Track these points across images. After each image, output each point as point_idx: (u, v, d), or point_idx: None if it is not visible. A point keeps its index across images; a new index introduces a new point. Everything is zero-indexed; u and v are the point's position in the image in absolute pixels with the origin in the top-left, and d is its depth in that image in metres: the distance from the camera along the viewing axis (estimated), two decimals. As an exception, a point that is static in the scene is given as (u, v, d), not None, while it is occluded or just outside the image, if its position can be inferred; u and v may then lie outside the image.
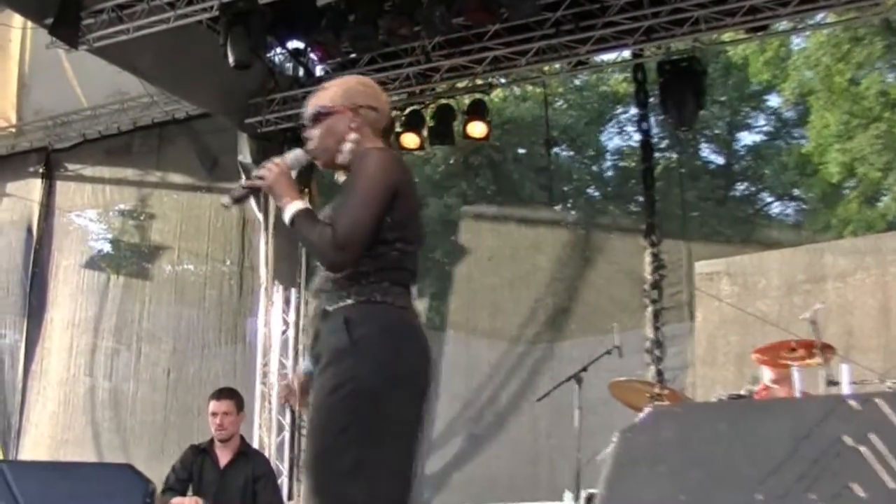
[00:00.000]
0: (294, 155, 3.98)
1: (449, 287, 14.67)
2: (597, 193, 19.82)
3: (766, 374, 7.76)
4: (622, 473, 3.74)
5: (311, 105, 4.04)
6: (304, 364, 3.97)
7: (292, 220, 3.77)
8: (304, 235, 3.79)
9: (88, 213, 15.46)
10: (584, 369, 7.85)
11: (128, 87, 12.64)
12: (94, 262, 14.79)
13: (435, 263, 16.61)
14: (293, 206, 3.78)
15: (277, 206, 3.86)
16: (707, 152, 20.22)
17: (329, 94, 4.06)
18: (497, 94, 13.13)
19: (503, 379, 12.31)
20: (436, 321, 14.83)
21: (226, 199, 3.99)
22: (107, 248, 16.49)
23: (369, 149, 3.94)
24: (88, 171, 14.28)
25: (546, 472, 11.38)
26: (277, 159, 3.93)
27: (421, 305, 15.26)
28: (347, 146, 3.95)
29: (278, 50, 11.88)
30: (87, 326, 13.88)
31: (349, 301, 3.76)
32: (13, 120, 13.94)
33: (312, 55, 11.89)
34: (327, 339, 3.77)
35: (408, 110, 11.47)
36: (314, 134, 4.00)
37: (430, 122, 11.36)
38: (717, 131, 19.97)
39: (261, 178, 3.86)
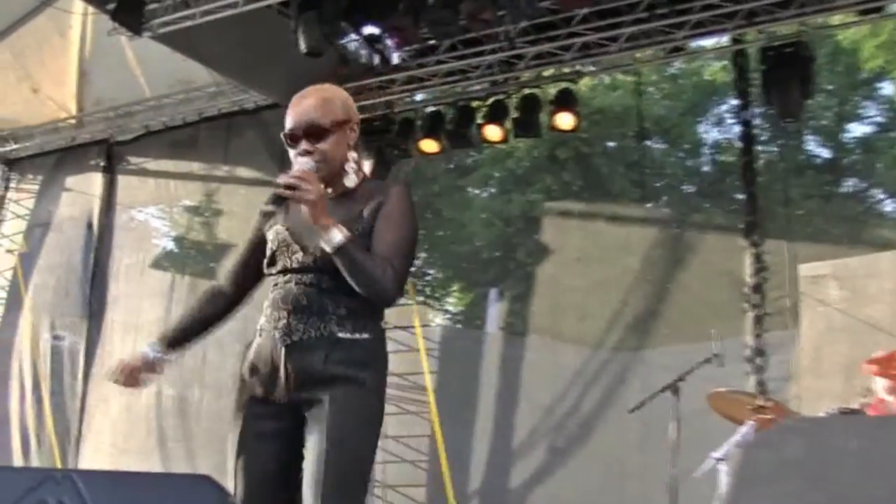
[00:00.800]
0: (311, 166, 4.01)
1: (532, 290, 14.60)
2: (692, 189, 19.58)
3: (880, 386, 7.59)
4: (743, 492, 3.66)
5: (318, 115, 4.08)
6: (150, 349, 4.17)
7: (341, 248, 3.84)
8: (362, 267, 3.90)
9: (151, 209, 15.56)
10: (682, 378, 7.77)
11: (194, 76, 12.73)
12: (158, 261, 14.88)
13: (517, 264, 16.54)
14: (340, 233, 3.85)
15: (316, 225, 3.87)
16: (813, 145, 19.86)
17: (333, 104, 4.14)
18: (584, 82, 13.01)
19: (589, 388, 12.21)
20: (517, 326, 14.77)
21: (269, 207, 4.14)
22: (170, 246, 16.61)
23: (394, 181, 4.21)
24: (152, 164, 14.41)
25: (636, 490, 11.27)
26: (305, 169, 3.97)
27: (501, 308, 15.27)
28: (350, 165, 4.14)
29: (352, 36, 11.85)
30: (151, 329, 13.93)
31: (366, 335, 4.01)
32: (73, 111, 14.09)
33: (389, 41, 11.87)
34: (348, 368, 3.95)
35: (491, 100, 11.46)
36: (322, 148, 4.05)
37: (514, 114, 11.30)
38: (823, 122, 19.60)
39: (297, 188, 3.86)
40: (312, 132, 4.04)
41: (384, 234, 3.97)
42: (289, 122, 4.08)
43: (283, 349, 3.96)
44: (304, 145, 4.03)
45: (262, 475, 3.97)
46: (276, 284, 4.05)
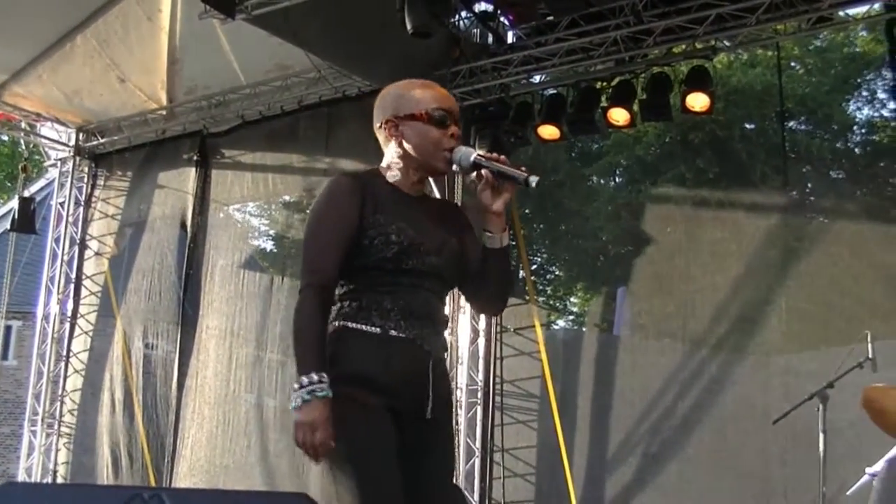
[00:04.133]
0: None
1: (663, 288, 14.52)
2: (841, 175, 19.40)
3: None
4: None
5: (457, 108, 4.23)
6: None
7: (506, 248, 4.09)
8: (509, 273, 4.22)
9: (248, 206, 15.68)
10: (831, 385, 7.71)
11: (291, 61, 12.79)
12: (255, 262, 15.00)
13: (649, 260, 16.47)
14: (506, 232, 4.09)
15: (498, 218, 4.07)
16: (980, 121, 19.59)
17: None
18: (720, 59, 12.90)
19: (725, 395, 12.11)
20: (650, 329, 14.71)
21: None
22: (269, 245, 16.78)
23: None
24: (248, 157, 14.48)
25: (782, 508, 11.18)
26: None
27: (632, 309, 15.22)
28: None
29: (463, 14, 11.87)
30: (249, 336, 14.08)
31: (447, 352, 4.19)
32: (163, 101, 14.24)
33: (503, 19, 11.88)
34: (447, 388, 4.22)
35: (616, 81, 11.39)
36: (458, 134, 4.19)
37: (641, 95, 11.24)
38: None
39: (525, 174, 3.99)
40: (457, 122, 4.17)
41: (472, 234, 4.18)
42: (440, 102, 4.15)
43: (431, 363, 4.02)
44: (454, 130, 4.12)
45: (397, 497, 3.88)
46: (394, 285, 4.00)
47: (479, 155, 4.03)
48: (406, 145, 4.12)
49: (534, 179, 3.92)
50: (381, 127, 4.23)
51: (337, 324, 3.99)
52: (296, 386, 3.72)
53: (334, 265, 3.96)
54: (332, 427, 3.70)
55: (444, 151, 4.08)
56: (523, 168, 3.96)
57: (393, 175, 4.17)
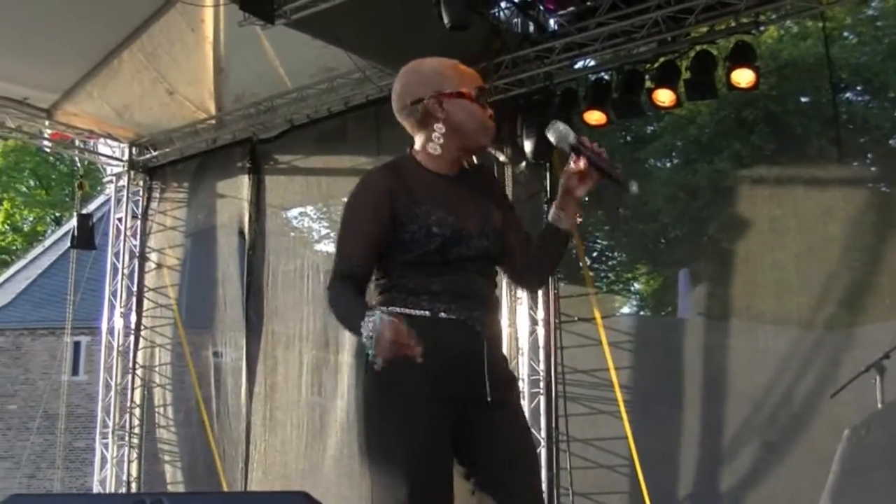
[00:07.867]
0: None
1: (728, 268, 14.38)
2: (901, 144, 19.14)
3: None
4: (850, 483, 3.49)
5: None
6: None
7: (570, 233, 4.13)
8: (564, 252, 4.21)
9: (306, 210, 15.63)
10: (887, 356, 7.57)
11: (336, 63, 12.75)
12: (317, 265, 14.98)
13: (709, 241, 16.33)
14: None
15: (578, 206, 4.06)
16: None
17: None
18: (771, 33, 12.67)
19: (798, 374, 11.92)
20: (714, 309, 14.57)
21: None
22: (330, 248, 16.66)
23: (482, 164, 4.37)
24: (300, 161, 14.52)
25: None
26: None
27: (694, 291, 15.05)
28: None
29: (503, 4, 11.79)
30: (316, 340, 14.04)
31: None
32: (212, 110, 14.29)
33: (543, 7, 11.77)
34: (506, 370, 4.13)
35: (659, 62, 11.25)
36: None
37: (685, 75, 11.08)
38: None
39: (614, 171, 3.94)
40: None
41: (520, 223, 4.19)
42: (478, 82, 4.16)
43: (485, 343, 3.93)
44: (489, 109, 4.12)
45: (448, 484, 3.85)
46: (441, 271, 3.93)
47: (577, 139, 3.95)
48: (452, 123, 4.05)
49: (634, 185, 3.87)
50: (417, 103, 4.09)
51: (386, 310, 3.82)
52: (364, 337, 3.58)
53: (362, 258, 3.92)
54: (397, 327, 3.53)
55: (488, 129, 4.12)
56: (618, 167, 3.89)
57: (432, 156, 4.11)
